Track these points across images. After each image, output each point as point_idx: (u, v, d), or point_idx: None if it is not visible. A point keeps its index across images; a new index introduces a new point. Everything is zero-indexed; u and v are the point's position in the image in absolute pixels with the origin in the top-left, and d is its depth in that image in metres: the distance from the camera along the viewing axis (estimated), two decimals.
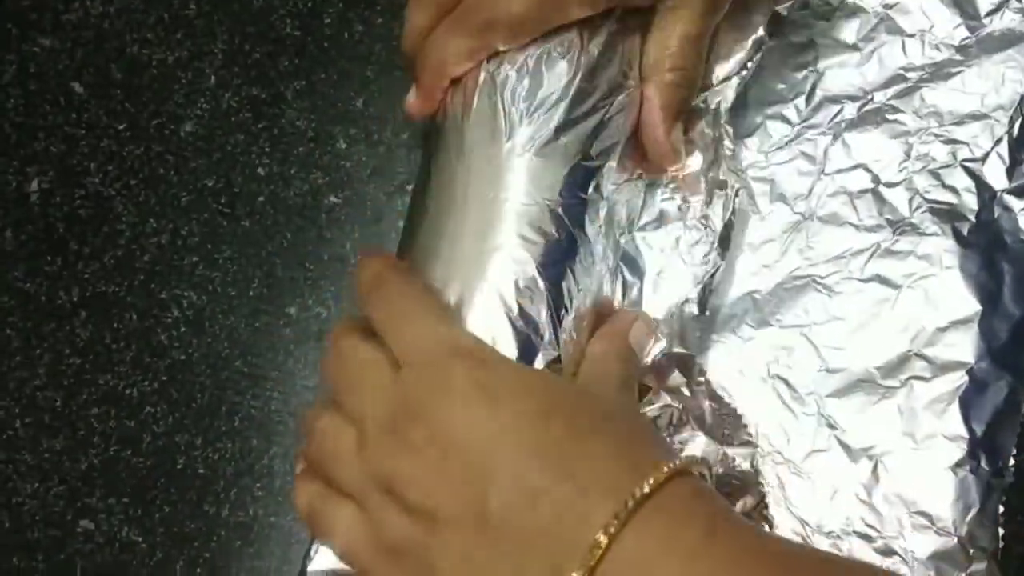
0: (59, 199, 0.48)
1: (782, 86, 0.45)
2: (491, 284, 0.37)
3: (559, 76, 0.39)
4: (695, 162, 0.42)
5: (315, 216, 0.47)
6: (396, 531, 0.32)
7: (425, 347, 0.34)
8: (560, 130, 0.39)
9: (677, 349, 0.40)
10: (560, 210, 0.38)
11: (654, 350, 0.40)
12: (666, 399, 0.40)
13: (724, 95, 0.43)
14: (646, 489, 0.30)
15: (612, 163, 0.40)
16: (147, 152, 0.48)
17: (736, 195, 0.41)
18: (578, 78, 0.39)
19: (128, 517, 0.43)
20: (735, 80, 0.43)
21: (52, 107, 0.49)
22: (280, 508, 0.42)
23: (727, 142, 0.42)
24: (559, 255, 0.38)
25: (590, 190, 0.39)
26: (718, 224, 0.41)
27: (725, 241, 0.41)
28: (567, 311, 0.37)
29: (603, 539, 0.29)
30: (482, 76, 0.40)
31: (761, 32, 0.43)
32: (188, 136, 0.48)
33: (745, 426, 0.40)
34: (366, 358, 0.35)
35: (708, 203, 0.42)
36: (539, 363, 0.36)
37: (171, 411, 0.44)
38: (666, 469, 0.31)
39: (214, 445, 0.44)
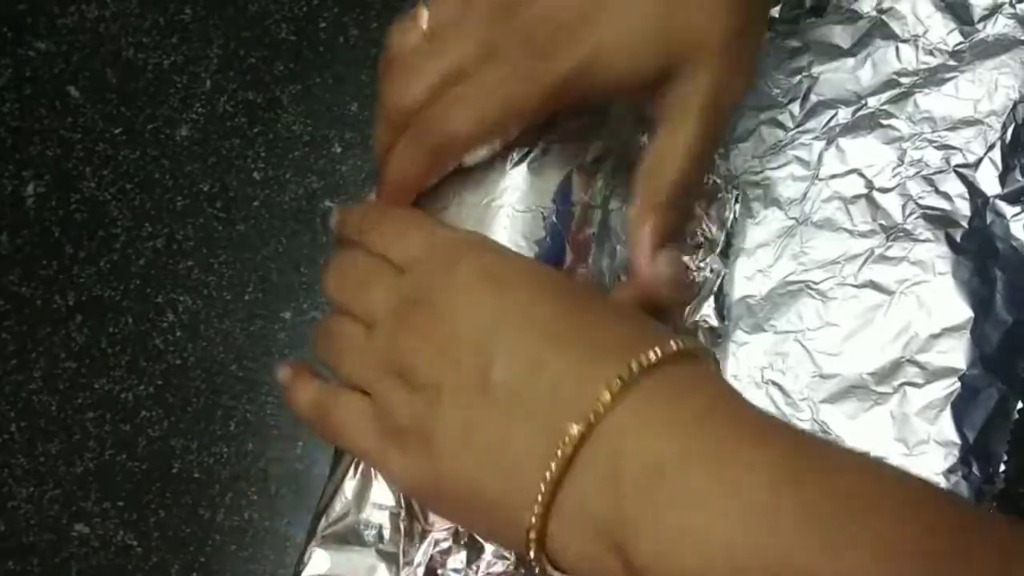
0: (55, 203, 0.48)
1: (776, 91, 0.45)
2: None
3: None
4: None
5: (310, 220, 0.47)
6: (402, 410, 0.32)
7: (426, 244, 0.35)
8: (555, 138, 0.39)
9: None
10: (554, 217, 0.39)
11: None
12: None
13: None
14: (652, 358, 0.30)
15: (607, 170, 0.40)
16: (143, 156, 0.48)
17: (736, 201, 0.42)
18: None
19: (123, 521, 0.43)
20: None
21: (48, 111, 0.49)
22: (275, 512, 0.43)
23: (720, 149, 0.42)
24: (552, 262, 0.38)
25: (585, 197, 0.40)
26: (716, 231, 0.41)
27: (726, 248, 0.41)
28: None
29: (606, 395, 0.29)
30: None
31: None
32: (183, 140, 0.48)
33: None
34: (370, 265, 0.36)
35: (705, 210, 0.42)
36: None
37: (166, 415, 0.44)
38: (674, 345, 0.30)
39: (209, 449, 0.44)
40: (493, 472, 0.31)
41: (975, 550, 0.26)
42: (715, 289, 0.41)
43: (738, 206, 0.42)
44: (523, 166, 0.39)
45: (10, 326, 0.46)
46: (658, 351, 0.30)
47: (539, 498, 0.29)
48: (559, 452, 0.29)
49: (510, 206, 0.38)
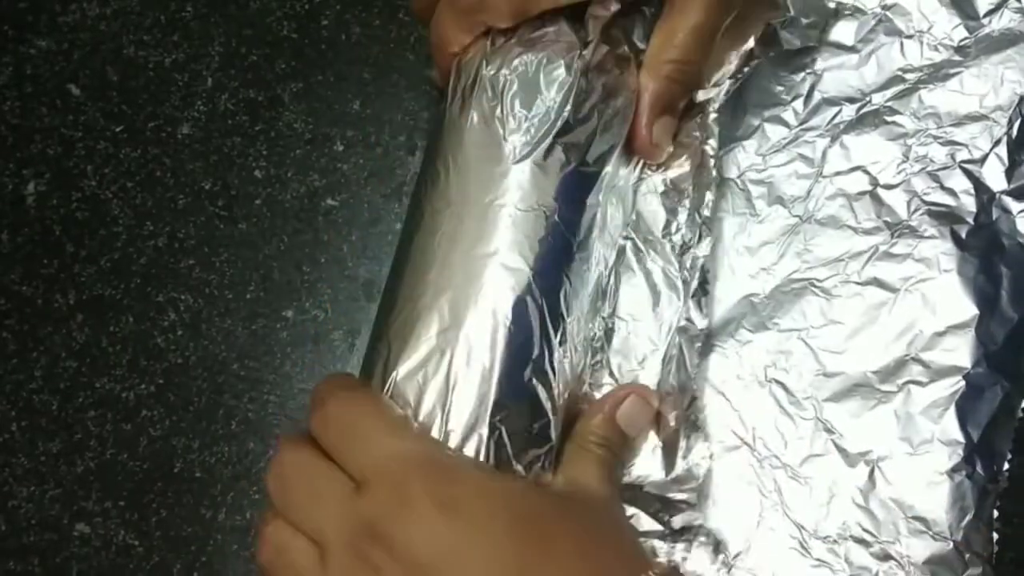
0: (55, 201, 0.48)
1: (780, 88, 0.45)
2: (485, 291, 0.37)
3: (557, 82, 0.39)
4: (685, 164, 0.42)
5: (312, 219, 0.47)
6: None
7: (379, 464, 0.34)
8: (557, 136, 0.39)
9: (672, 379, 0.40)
10: (556, 216, 0.38)
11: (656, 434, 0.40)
12: None
13: (718, 98, 0.43)
14: None
15: (608, 168, 0.40)
16: (144, 155, 0.48)
17: (722, 197, 0.41)
18: (576, 84, 0.39)
19: (124, 521, 0.43)
20: (727, 84, 0.42)
21: (49, 109, 0.49)
22: None
23: (712, 142, 0.42)
24: (554, 261, 0.38)
25: (587, 196, 0.39)
26: (700, 230, 0.41)
27: (712, 246, 0.41)
28: (563, 319, 0.37)
29: None
30: (481, 81, 0.40)
31: (752, 43, 0.43)
32: (185, 139, 0.48)
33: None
34: (323, 474, 0.34)
35: (698, 207, 0.42)
36: (527, 374, 0.36)
37: (168, 414, 0.44)
38: None
39: (211, 448, 0.44)
40: None
41: None
42: (696, 288, 0.41)
43: (725, 202, 0.42)
44: (526, 163, 0.38)
45: (11, 325, 0.46)
46: None
47: None
48: None
49: (512, 205, 0.38)
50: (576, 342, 0.38)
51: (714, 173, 0.41)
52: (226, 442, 0.44)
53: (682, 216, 0.42)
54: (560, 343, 0.37)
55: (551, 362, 0.37)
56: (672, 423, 0.39)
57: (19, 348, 0.46)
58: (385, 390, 0.37)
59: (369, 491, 0.33)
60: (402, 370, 0.37)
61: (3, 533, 0.43)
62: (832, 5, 0.45)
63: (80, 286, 0.46)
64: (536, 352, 0.37)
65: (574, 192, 0.39)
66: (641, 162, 0.42)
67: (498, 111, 0.39)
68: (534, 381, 0.37)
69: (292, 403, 0.44)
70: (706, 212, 0.41)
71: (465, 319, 0.37)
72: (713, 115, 0.42)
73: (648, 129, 0.40)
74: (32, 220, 0.48)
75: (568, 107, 0.39)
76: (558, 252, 0.38)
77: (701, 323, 0.40)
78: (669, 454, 0.40)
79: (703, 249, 0.41)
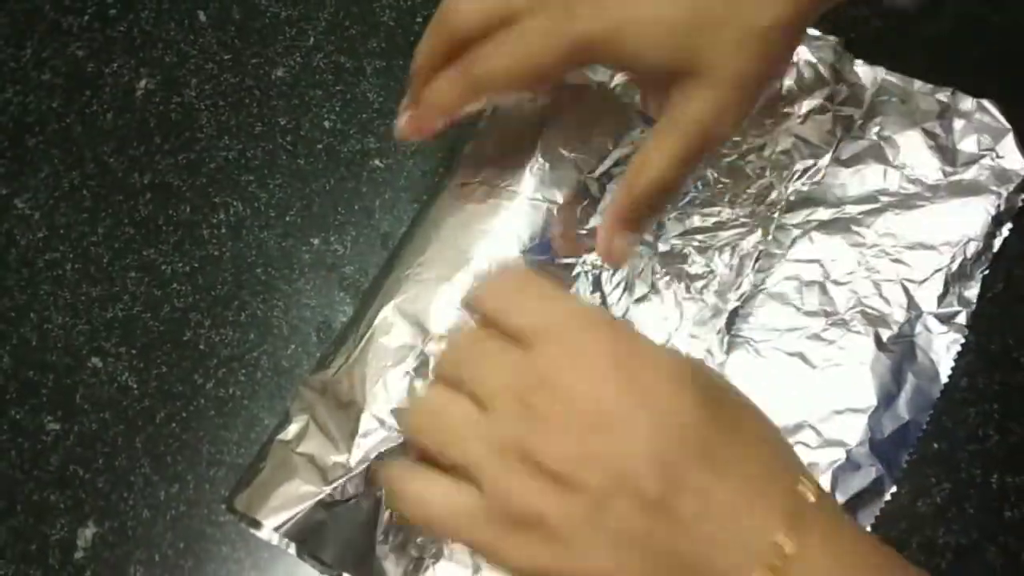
0: (158, 99, 0.57)
1: (774, 180, 0.52)
2: (480, 254, 0.44)
3: (586, 109, 0.47)
4: None
5: (358, 173, 0.55)
6: (527, 499, 0.30)
7: (549, 319, 0.32)
8: (574, 148, 0.46)
9: None
10: (557, 212, 0.45)
11: None
12: None
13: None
14: (807, 496, 0.30)
15: (609, 189, 0.47)
16: (240, 83, 0.57)
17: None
18: (600, 113, 0.47)
19: (131, 366, 0.51)
20: None
21: (176, 25, 0.58)
22: (255, 395, 0.49)
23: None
24: (544, 251, 0.45)
25: (587, 207, 0.47)
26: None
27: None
28: None
29: (784, 540, 0.29)
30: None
31: None
32: (277, 80, 0.57)
33: None
34: (489, 341, 0.33)
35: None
36: None
37: (193, 292, 0.52)
38: (811, 490, 0.31)
39: (218, 329, 0.51)
40: None
41: None
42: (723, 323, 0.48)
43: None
44: (544, 165, 0.46)
45: (92, 186, 0.55)
46: (808, 486, 0.31)
47: None
48: None
49: (524, 195, 0.46)
50: None
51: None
52: (232, 328, 0.51)
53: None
54: None
55: None
56: None
57: (92, 206, 0.54)
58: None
59: (544, 345, 0.32)
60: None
61: (33, 347, 0.51)
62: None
63: (156, 171, 0.55)
64: None
65: (576, 199, 0.46)
66: None
67: (527, 121, 0.47)
68: None
69: (295, 312, 0.51)
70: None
71: (455, 277, 0.44)
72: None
73: (609, 236, 0.41)
74: (135, 109, 0.57)
75: (588, 127, 0.46)
76: (549, 243, 0.45)
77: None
78: None
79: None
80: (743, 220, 0.49)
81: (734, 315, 0.49)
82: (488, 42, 0.40)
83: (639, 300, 0.48)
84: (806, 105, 0.51)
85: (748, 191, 0.50)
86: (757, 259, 0.49)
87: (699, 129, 0.39)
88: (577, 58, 0.40)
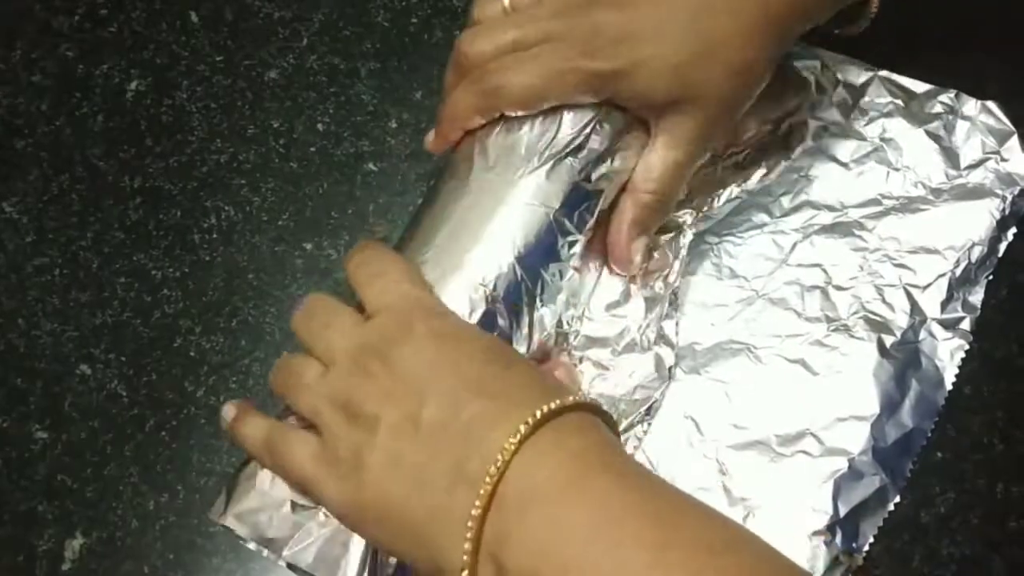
0: (149, 102, 0.56)
1: (774, 183, 0.51)
2: (477, 260, 0.43)
3: (579, 114, 0.46)
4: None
5: (352, 176, 0.54)
6: (343, 440, 0.37)
7: (392, 299, 0.40)
8: (571, 153, 0.46)
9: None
10: (552, 216, 0.44)
11: None
12: None
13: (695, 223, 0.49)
14: (551, 406, 0.35)
15: (608, 194, 0.46)
16: (232, 85, 0.56)
17: (697, 258, 0.48)
18: (594, 117, 0.46)
19: (121, 374, 0.50)
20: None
21: (168, 26, 0.57)
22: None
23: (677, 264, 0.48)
24: (541, 256, 0.44)
25: (582, 208, 0.46)
26: (671, 256, 0.47)
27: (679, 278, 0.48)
28: (537, 300, 0.43)
29: (513, 438, 0.34)
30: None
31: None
32: (270, 81, 0.56)
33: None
34: (337, 309, 0.41)
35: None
36: None
37: (183, 298, 0.51)
38: (572, 399, 0.36)
39: (209, 336, 0.50)
40: (416, 501, 0.36)
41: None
42: (666, 313, 0.47)
43: (690, 239, 0.48)
44: (541, 170, 0.45)
45: (80, 190, 0.54)
46: (555, 403, 0.36)
47: (467, 536, 0.34)
48: (482, 491, 0.34)
49: (520, 200, 0.45)
50: (546, 325, 0.44)
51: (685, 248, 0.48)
52: (223, 335, 0.50)
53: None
54: (528, 321, 0.43)
55: (511, 336, 0.43)
56: None
57: (81, 210, 0.53)
58: None
59: (378, 319, 0.39)
60: None
61: (21, 354, 0.50)
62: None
63: (146, 175, 0.54)
64: (504, 324, 0.42)
65: (574, 203, 0.45)
66: None
67: (525, 125, 0.46)
68: None
69: (287, 319, 0.49)
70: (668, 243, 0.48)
71: (450, 278, 0.43)
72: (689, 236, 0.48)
73: (627, 248, 0.46)
74: (125, 111, 0.56)
75: (584, 131, 0.45)
76: (547, 247, 0.45)
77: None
78: None
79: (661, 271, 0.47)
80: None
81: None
82: (499, 61, 0.44)
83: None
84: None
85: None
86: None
87: (694, 143, 0.44)
88: (587, 91, 0.43)
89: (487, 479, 0.34)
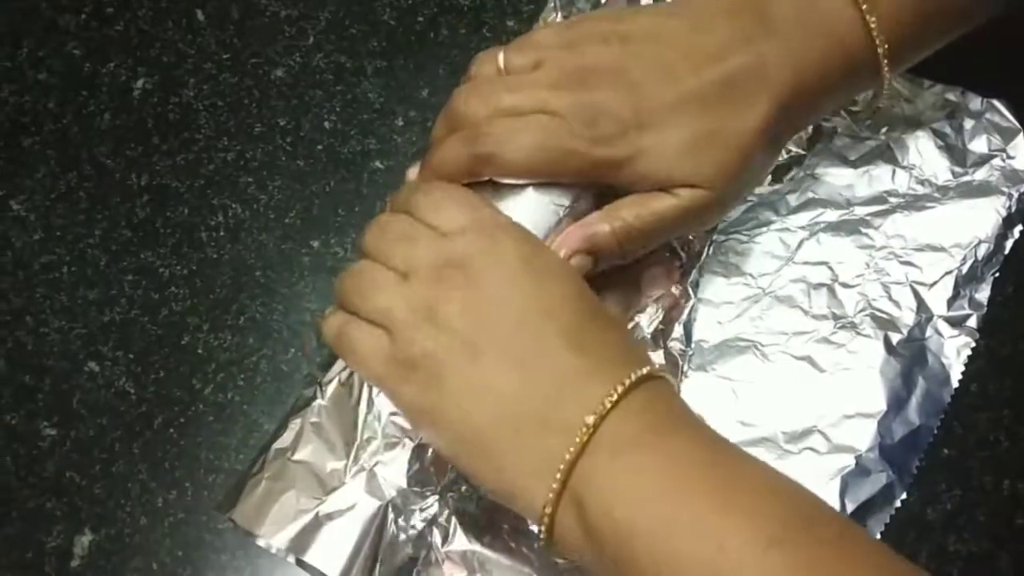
0: (155, 100, 0.56)
1: (780, 184, 0.51)
2: None
3: None
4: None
5: (359, 174, 0.54)
6: (423, 344, 0.37)
7: (472, 219, 0.39)
8: None
9: None
10: (563, 213, 0.45)
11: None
12: None
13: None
14: (641, 373, 0.37)
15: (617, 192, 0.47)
16: (239, 83, 0.56)
17: (709, 246, 0.48)
18: None
19: (129, 371, 0.50)
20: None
21: (174, 24, 0.57)
22: (254, 400, 0.49)
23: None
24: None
25: (593, 209, 0.46)
26: (688, 260, 0.47)
27: (696, 282, 0.48)
28: None
29: (612, 396, 0.36)
30: None
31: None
32: (276, 80, 0.56)
33: None
34: (416, 227, 0.40)
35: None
36: None
37: (191, 296, 0.51)
38: (657, 367, 0.38)
39: (216, 334, 0.50)
40: (502, 433, 0.37)
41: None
42: (684, 317, 0.47)
43: (711, 249, 0.48)
44: None
45: (88, 188, 0.54)
46: (645, 370, 0.37)
47: (556, 479, 0.35)
48: (577, 439, 0.35)
49: (530, 197, 0.45)
50: None
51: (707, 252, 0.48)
52: (231, 332, 0.50)
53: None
54: None
55: None
56: None
57: (89, 207, 0.53)
58: None
59: (461, 236, 0.39)
60: None
61: (29, 351, 0.50)
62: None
63: (154, 172, 0.54)
64: None
65: (586, 203, 0.46)
66: None
67: None
68: None
69: (295, 316, 0.51)
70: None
71: None
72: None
73: (566, 256, 0.42)
74: (132, 109, 0.56)
75: None
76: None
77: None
78: None
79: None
80: None
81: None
82: (501, 125, 0.42)
83: None
84: None
85: None
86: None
87: (682, 219, 0.43)
88: (585, 175, 0.42)
89: (584, 428, 0.35)
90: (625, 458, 0.36)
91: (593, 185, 0.43)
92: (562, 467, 0.35)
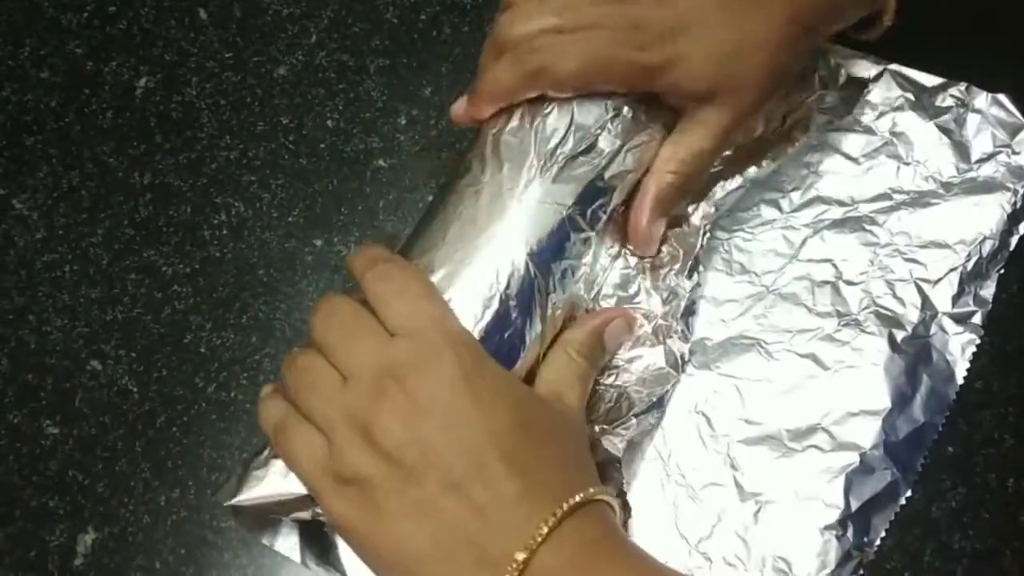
0: (158, 98, 0.56)
1: (783, 178, 0.51)
2: (489, 256, 0.43)
3: (591, 112, 0.46)
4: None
5: (362, 172, 0.54)
6: (357, 464, 0.37)
7: (419, 322, 0.39)
8: (583, 153, 0.46)
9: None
10: (565, 213, 0.44)
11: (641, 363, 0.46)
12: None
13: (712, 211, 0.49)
14: (577, 499, 0.37)
15: (621, 191, 0.46)
16: (242, 82, 0.56)
17: (704, 233, 0.47)
18: (606, 114, 0.46)
19: (131, 370, 0.50)
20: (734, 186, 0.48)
21: (176, 23, 0.57)
22: (256, 398, 0.49)
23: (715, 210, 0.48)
24: (552, 253, 0.44)
25: (595, 205, 0.46)
26: (683, 253, 0.47)
27: (692, 270, 0.47)
28: (548, 297, 0.43)
29: (544, 529, 0.36)
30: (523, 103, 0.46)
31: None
32: (279, 78, 0.56)
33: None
34: (361, 316, 0.39)
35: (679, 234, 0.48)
36: (506, 338, 0.42)
37: (193, 295, 0.51)
38: (594, 491, 0.38)
39: (219, 332, 0.50)
40: (435, 565, 0.36)
41: None
42: (683, 308, 0.47)
43: (706, 238, 0.47)
44: (552, 170, 0.45)
45: (91, 186, 0.54)
46: (581, 496, 0.37)
47: None
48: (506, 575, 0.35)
49: (532, 198, 0.45)
50: (556, 321, 0.44)
51: (700, 242, 0.48)
52: (233, 331, 0.50)
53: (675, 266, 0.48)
54: (540, 317, 0.43)
55: (524, 334, 0.43)
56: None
57: (91, 206, 0.53)
58: None
59: (406, 341, 0.38)
60: None
61: (31, 350, 0.50)
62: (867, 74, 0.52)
63: (156, 171, 0.54)
64: (517, 320, 0.42)
65: (587, 200, 0.45)
66: None
67: (536, 125, 0.46)
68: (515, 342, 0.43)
69: (297, 315, 0.51)
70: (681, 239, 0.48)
71: (463, 274, 0.43)
72: (719, 194, 0.48)
73: (647, 227, 0.46)
74: (135, 108, 0.56)
75: (596, 131, 0.45)
76: (560, 244, 0.44)
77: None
78: (595, 447, 0.45)
79: (673, 266, 0.47)
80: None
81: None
82: (548, 39, 0.43)
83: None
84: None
85: None
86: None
87: (723, 134, 0.45)
88: (630, 82, 0.44)
89: (513, 564, 0.35)
90: None
91: (637, 95, 0.45)
92: None
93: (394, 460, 0.36)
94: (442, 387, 0.37)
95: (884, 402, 0.46)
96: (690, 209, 0.48)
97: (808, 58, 0.47)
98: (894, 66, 0.52)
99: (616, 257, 0.48)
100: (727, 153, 0.48)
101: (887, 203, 0.50)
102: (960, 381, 0.46)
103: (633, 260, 0.48)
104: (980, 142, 0.50)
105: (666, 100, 0.45)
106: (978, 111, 0.51)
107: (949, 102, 0.51)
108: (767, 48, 0.44)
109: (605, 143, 0.46)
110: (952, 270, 0.48)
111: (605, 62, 0.43)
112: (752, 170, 0.49)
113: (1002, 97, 0.50)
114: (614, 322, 0.45)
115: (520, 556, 0.35)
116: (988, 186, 0.50)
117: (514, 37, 0.44)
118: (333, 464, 0.37)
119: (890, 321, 0.48)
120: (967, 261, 0.48)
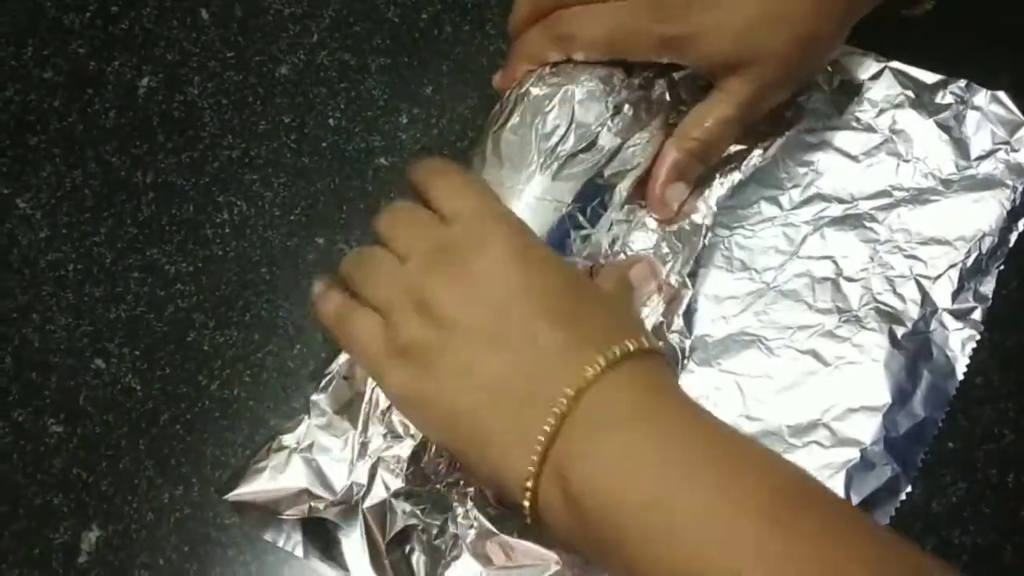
0: (160, 98, 0.56)
1: (783, 175, 0.51)
2: None
3: (591, 110, 0.46)
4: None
5: (364, 171, 0.54)
6: (413, 333, 0.39)
7: (475, 210, 0.41)
8: (583, 151, 0.46)
9: None
10: (565, 210, 0.45)
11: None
12: None
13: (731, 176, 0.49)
14: (628, 348, 0.37)
15: (620, 188, 0.47)
16: (244, 81, 0.56)
17: (706, 234, 0.48)
18: (606, 113, 0.46)
19: (135, 368, 0.50)
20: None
21: (178, 23, 0.58)
22: (260, 396, 0.49)
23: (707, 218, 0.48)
24: (554, 250, 0.44)
25: (595, 203, 0.46)
26: (686, 252, 0.47)
27: (694, 270, 0.48)
28: None
29: (590, 371, 0.37)
30: (528, 96, 0.47)
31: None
32: (281, 77, 0.56)
33: None
34: (420, 213, 0.43)
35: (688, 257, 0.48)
36: None
37: (197, 293, 0.51)
38: (645, 342, 0.38)
39: (222, 330, 0.51)
40: (486, 412, 0.38)
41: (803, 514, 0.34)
42: (684, 308, 0.47)
43: (708, 239, 0.48)
44: (552, 166, 0.45)
45: (94, 185, 0.54)
46: (631, 344, 0.38)
47: (536, 452, 0.36)
48: (556, 411, 0.36)
49: (531, 195, 0.45)
50: None
51: (703, 242, 0.48)
52: (236, 329, 0.51)
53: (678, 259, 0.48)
54: None
55: None
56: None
57: (94, 205, 0.54)
58: None
59: (459, 224, 0.41)
60: None
61: (35, 349, 0.51)
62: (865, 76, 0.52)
63: (159, 170, 0.54)
64: None
65: (587, 198, 0.46)
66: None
67: (537, 123, 0.46)
68: None
69: (298, 313, 0.51)
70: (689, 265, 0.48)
71: None
72: (720, 191, 0.49)
73: (663, 190, 0.47)
74: (137, 108, 0.56)
75: (596, 128, 0.46)
76: (559, 241, 0.45)
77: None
78: None
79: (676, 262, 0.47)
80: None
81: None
82: (575, 8, 0.47)
83: None
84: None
85: None
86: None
87: (748, 104, 0.46)
88: (655, 52, 0.46)
89: (562, 400, 0.36)
90: (610, 431, 0.36)
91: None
92: (541, 439, 0.36)
93: (447, 324, 0.38)
94: (494, 259, 0.39)
95: (884, 398, 0.46)
96: (692, 207, 0.48)
97: (849, 30, 0.47)
98: (894, 63, 0.52)
99: (617, 254, 0.48)
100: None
101: (887, 200, 0.50)
102: (960, 377, 0.47)
103: None
104: (980, 139, 0.50)
105: (697, 72, 0.47)
106: (978, 108, 0.51)
107: (949, 99, 0.51)
108: (794, 18, 0.44)
109: (605, 140, 0.46)
110: (952, 266, 0.48)
111: (630, 33, 0.45)
112: (756, 156, 0.49)
113: (1001, 94, 0.51)
114: (639, 264, 0.47)
115: (570, 391, 0.36)
116: (987, 183, 0.50)
117: (539, 5, 0.47)
118: (391, 337, 0.39)
119: (890, 317, 0.48)
120: (967, 258, 0.48)
